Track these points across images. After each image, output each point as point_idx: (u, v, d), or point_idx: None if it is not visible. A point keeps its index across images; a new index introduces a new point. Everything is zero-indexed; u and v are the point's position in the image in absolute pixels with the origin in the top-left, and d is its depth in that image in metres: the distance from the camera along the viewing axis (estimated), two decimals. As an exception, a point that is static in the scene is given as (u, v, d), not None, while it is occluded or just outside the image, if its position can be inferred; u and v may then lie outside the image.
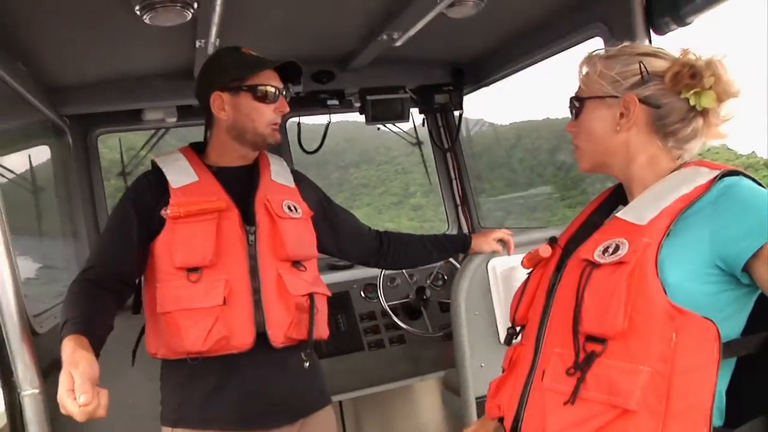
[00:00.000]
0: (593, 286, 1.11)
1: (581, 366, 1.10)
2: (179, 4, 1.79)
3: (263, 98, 1.78)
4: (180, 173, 1.79)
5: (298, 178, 1.98)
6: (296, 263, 1.81)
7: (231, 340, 1.68)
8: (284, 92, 1.82)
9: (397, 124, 3.33)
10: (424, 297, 3.03)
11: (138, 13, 1.81)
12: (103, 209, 2.91)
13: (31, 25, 1.90)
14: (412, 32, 2.31)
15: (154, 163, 1.85)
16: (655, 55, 1.24)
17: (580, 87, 1.32)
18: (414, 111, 3.26)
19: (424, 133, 3.52)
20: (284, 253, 1.77)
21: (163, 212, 1.71)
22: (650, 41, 2.02)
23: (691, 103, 1.18)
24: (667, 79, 1.20)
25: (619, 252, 1.10)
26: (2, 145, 2.35)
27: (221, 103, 1.79)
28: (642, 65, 1.21)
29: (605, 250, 1.13)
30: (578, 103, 1.30)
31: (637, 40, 2.01)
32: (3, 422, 1.49)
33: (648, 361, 1.04)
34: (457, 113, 3.27)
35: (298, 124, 2.98)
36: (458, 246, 2.13)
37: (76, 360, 1.37)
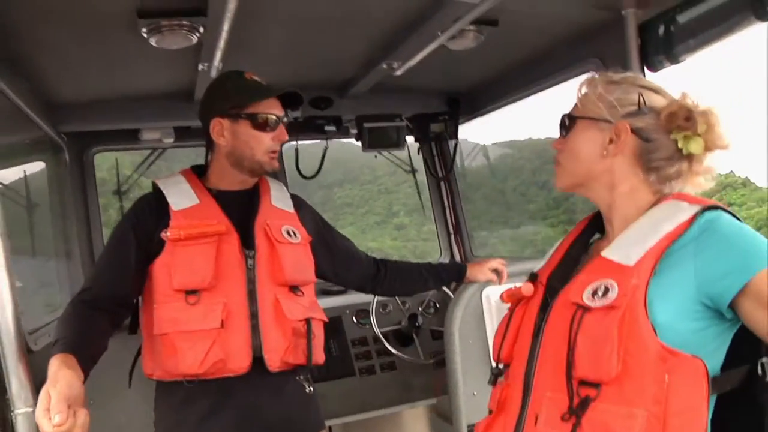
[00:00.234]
0: (585, 331, 1.11)
1: (576, 411, 1.10)
2: (186, 29, 1.82)
3: (262, 126, 1.79)
4: (181, 196, 1.79)
5: (298, 203, 1.99)
6: (294, 288, 1.82)
7: (227, 364, 1.68)
8: (284, 120, 1.83)
9: (392, 152, 3.36)
10: (416, 324, 3.03)
11: (144, 35, 1.84)
12: (97, 227, 2.90)
13: (38, 41, 1.92)
14: (412, 62, 2.35)
15: (154, 185, 1.85)
16: (656, 91, 1.26)
17: (575, 105, 1.32)
18: (409, 138, 3.30)
19: (418, 160, 3.56)
20: (282, 278, 1.78)
21: (163, 234, 1.72)
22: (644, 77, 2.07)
23: (679, 145, 1.20)
24: (662, 117, 1.21)
25: (609, 295, 1.10)
26: (1, 160, 2.35)
27: (221, 129, 1.81)
28: (641, 97, 1.23)
29: (594, 293, 1.13)
30: (570, 121, 1.31)
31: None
32: None
33: (642, 404, 1.04)
34: (452, 142, 3.30)
35: (296, 149, 2.99)
36: (454, 275, 2.15)
37: (57, 379, 1.37)
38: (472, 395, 2.00)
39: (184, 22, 1.80)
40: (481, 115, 3.19)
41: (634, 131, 1.22)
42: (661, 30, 2.03)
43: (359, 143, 3.06)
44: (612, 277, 1.12)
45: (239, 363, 1.69)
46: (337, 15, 2.00)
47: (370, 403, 2.91)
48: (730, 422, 1.14)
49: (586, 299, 1.13)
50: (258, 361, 1.71)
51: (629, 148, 1.22)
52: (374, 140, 3.04)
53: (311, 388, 1.82)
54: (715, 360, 1.12)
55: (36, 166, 2.64)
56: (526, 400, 1.21)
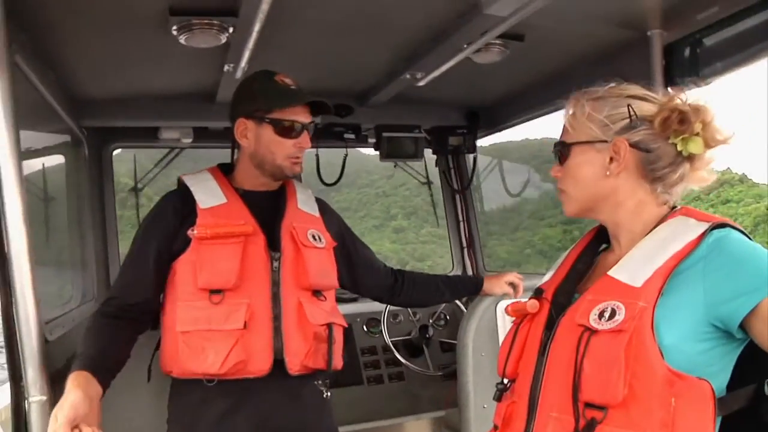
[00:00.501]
0: (592, 354, 1.10)
1: None
2: (216, 28, 1.83)
3: (285, 133, 1.79)
4: (208, 194, 1.79)
5: (322, 207, 1.99)
6: (317, 292, 1.81)
7: (248, 365, 1.67)
8: (309, 127, 1.83)
9: (408, 162, 3.37)
10: (427, 335, 3.02)
11: (174, 33, 1.85)
12: (112, 222, 2.92)
13: (68, 35, 1.94)
14: (436, 74, 2.36)
15: (180, 181, 1.86)
16: (643, 98, 1.24)
17: (565, 129, 1.30)
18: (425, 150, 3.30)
19: (432, 172, 3.56)
20: (307, 282, 1.77)
21: (189, 232, 1.72)
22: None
23: (679, 148, 1.19)
24: (656, 124, 1.19)
25: (616, 318, 1.09)
26: (25, 151, 2.37)
27: (244, 130, 1.81)
28: (631, 109, 1.20)
29: (601, 315, 1.11)
30: (564, 148, 1.29)
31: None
32: (8, 426, 1.47)
33: (649, 428, 1.03)
34: (471, 157, 3.30)
35: (317, 155, 3.00)
36: (470, 288, 2.15)
37: (65, 401, 1.42)
38: (482, 408, 1.99)
39: (215, 22, 1.81)
40: (500, 130, 3.20)
41: (633, 145, 1.20)
42: (687, 52, 2.03)
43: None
44: (619, 299, 1.11)
45: (260, 365, 1.69)
46: (364, 23, 2.01)
47: (377, 413, 2.90)
48: None
49: (593, 321, 1.12)
50: (278, 364, 1.71)
51: (631, 162, 1.21)
52: (392, 150, 3.05)
53: (328, 393, 1.81)
54: (721, 379, 1.12)
55: (55, 159, 2.65)
56: (532, 418, 1.20)
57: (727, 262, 1.09)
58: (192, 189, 1.80)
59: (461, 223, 3.51)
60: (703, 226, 1.13)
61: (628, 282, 1.13)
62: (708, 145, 1.19)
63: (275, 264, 1.75)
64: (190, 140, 2.98)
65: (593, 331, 1.11)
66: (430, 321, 3.14)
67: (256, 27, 1.79)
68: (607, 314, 1.11)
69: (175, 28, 1.83)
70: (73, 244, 2.70)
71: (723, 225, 1.14)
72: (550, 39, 2.20)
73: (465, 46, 2.13)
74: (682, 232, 1.14)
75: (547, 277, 1.38)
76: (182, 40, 1.87)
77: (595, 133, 1.23)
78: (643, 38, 2.10)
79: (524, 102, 2.92)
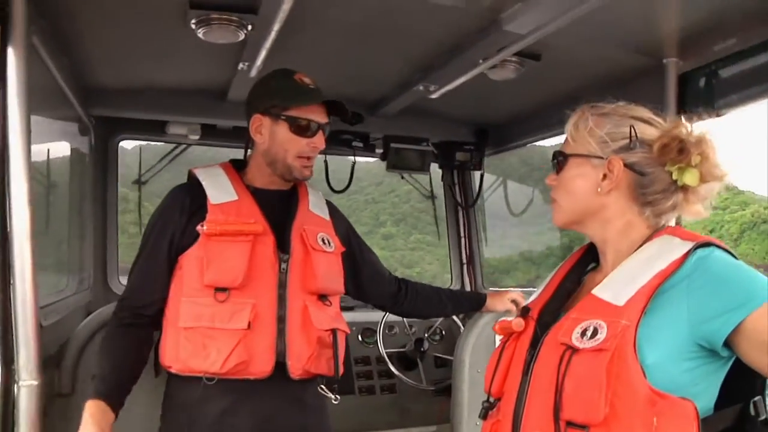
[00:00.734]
0: (573, 372, 1.09)
1: None
2: (235, 24, 1.82)
3: (300, 131, 1.78)
4: (219, 189, 1.78)
5: (332, 210, 1.98)
6: (323, 297, 1.80)
7: (249, 366, 1.66)
8: (324, 127, 1.82)
9: (413, 175, 3.36)
10: (422, 349, 3.00)
11: (193, 26, 1.85)
12: (113, 214, 2.90)
13: (86, 22, 1.93)
14: (449, 87, 2.36)
15: (192, 174, 1.84)
16: (647, 122, 1.24)
17: (567, 140, 1.31)
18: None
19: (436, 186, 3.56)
20: (314, 286, 1.76)
21: (198, 227, 1.70)
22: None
23: (674, 177, 1.19)
24: (655, 149, 1.20)
25: (598, 336, 1.09)
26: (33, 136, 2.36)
27: (259, 126, 1.80)
28: (633, 130, 1.21)
29: (583, 333, 1.11)
30: (562, 158, 1.29)
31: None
32: None
33: None
34: (477, 174, 3.29)
35: (325, 161, 3.00)
36: (474, 304, 2.13)
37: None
38: (475, 425, 1.97)
39: (234, 18, 1.80)
40: (508, 149, 3.19)
41: (628, 166, 1.21)
42: (702, 82, 2.03)
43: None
44: (601, 318, 1.11)
45: (262, 366, 1.67)
46: (383, 31, 2.01)
47: (367, 423, 2.88)
48: None
49: (575, 340, 1.11)
50: (280, 366, 1.68)
51: (624, 183, 1.22)
52: (399, 161, 3.05)
53: (337, 398, 1.79)
54: (706, 399, 1.11)
55: (61, 146, 2.63)
56: None
57: (710, 280, 1.09)
58: (204, 183, 1.79)
59: (462, 239, 3.49)
60: (688, 245, 1.13)
61: (611, 301, 1.13)
62: (704, 179, 1.19)
63: (283, 266, 1.74)
64: (197, 137, 2.96)
65: (575, 350, 1.11)
66: (426, 335, 3.12)
67: (276, 26, 1.79)
68: (589, 332, 1.10)
69: (193, 21, 1.82)
70: (72, 232, 2.68)
71: (708, 244, 1.14)
72: (566, 60, 2.20)
73: (481, 61, 2.13)
74: (667, 251, 1.14)
75: (534, 296, 1.38)
76: (200, 34, 1.87)
77: (593, 148, 1.24)
78: (659, 66, 2.11)
79: (534, 122, 2.91)
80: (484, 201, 3.53)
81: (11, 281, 1.42)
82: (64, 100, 2.31)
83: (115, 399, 1.65)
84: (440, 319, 3.13)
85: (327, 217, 1.93)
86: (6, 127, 1.45)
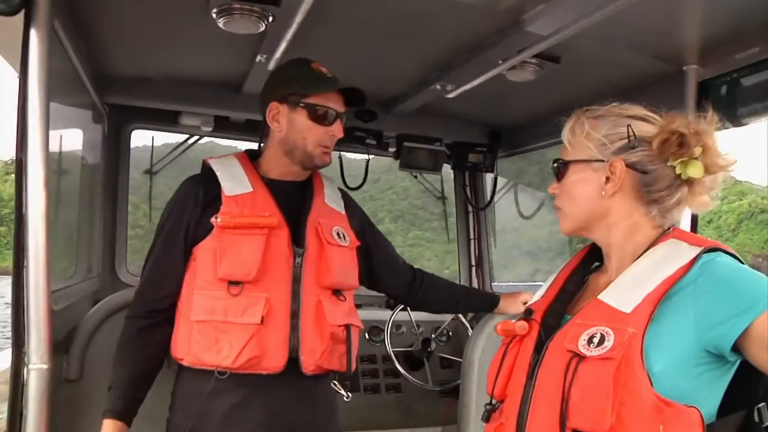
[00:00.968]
0: (580, 381, 1.08)
1: None
2: (256, 15, 1.82)
3: (319, 119, 1.76)
4: (234, 181, 1.76)
5: (347, 201, 1.96)
6: (337, 292, 1.78)
7: (262, 361, 1.64)
8: (342, 116, 1.80)
9: (426, 175, 3.35)
10: (429, 349, 2.99)
11: (214, 15, 1.84)
12: (123, 202, 2.90)
13: (105, 7, 1.92)
14: (466, 87, 2.35)
15: (206, 164, 1.83)
16: (644, 119, 1.23)
17: (565, 147, 1.29)
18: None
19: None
20: (328, 280, 1.74)
21: (213, 219, 1.69)
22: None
23: (677, 171, 1.18)
24: (654, 146, 1.18)
25: (605, 344, 1.08)
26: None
27: (277, 114, 1.78)
28: (630, 129, 1.19)
29: (590, 340, 1.10)
30: (562, 165, 1.28)
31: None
32: (4, 390, 1.45)
33: None
34: (491, 176, 3.28)
35: (340, 157, 2.98)
36: (486, 305, 2.11)
37: None
38: (482, 426, 1.95)
39: (256, 8, 1.79)
40: (522, 152, 3.18)
41: (630, 166, 1.19)
42: (724, 90, 2.01)
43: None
44: (608, 324, 1.10)
45: (274, 362, 1.65)
46: (404, 28, 2.00)
47: (371, 422, 2.87)
48: None
49: (582, 347, 1.10)
50: (292, 362, 1.67)
51: (627, 183, 1.20)
52: (412, 161, 3.04)
53: (349, 395, 1.78)
54: (711, 404, 1.10)
55: (74, 132, 2.63)
56: None
57: (715, 285, 1.08)
58: (218, 174, 1.77)
59: (472, 242, 3.48)
60: (695, 251, 1.12)
61: (617, 307, 1.12)
62: (708, 170, 1.17)
63: (298, 260, 1.72)
64: (210, 129, 2.96)
65: (582, 357, 1.10)
66: (433, 335, 3.10)
67: (297, 18, 1.78)
68: (596, 340, 1.09)
69: (215, 10, 1.82)
70: (82, 220, 2.68)
71: (714, 249, 1.13)
72: (585, 64, 2.19)
73: (500, 62, 2.12)
74: (674, 257, 1.13)
75: (537, 297, 1.37)
76: (221, 23, 1.86)
77: (593, 152, 1.22)
78: (679, 72, 2.10)
79: (548, 127, 2.85)
80: (494, 203, 3.51)
81: (25, 264, 1.41)
82: (81, 86, 2.30)
83: (132, 414, 1.69)
84: (448, 320, 3.12)
85: (342, 211, 1.91)
86: (26, 110, 1.45)
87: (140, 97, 2.73)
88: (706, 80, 2.07)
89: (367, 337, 3.05)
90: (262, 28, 1.87)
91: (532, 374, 1.21)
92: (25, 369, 1.39)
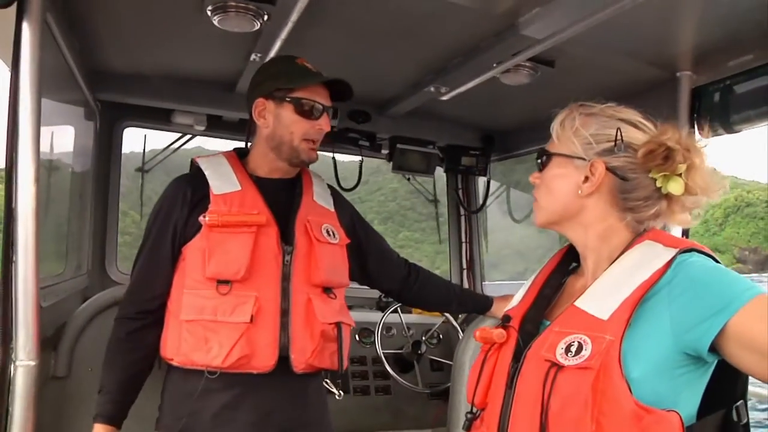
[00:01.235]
0: (559, 391, 1.08)
1: None
2: (251, 13, 1.81)
3: (306, 113, 1.75)
4: (222, 179, 1.75)
5: (336, 198, 1.96)
6: (327, 290, 1.77)
7: (252, 360, 1.63)
8: (329, 110, 1.79)
9: (418, 178, 3.35)
10: (419, 352, 2.98)
11: (209, 13, 1.83)
12: (114, 200, 2.88)
13: (98, 2, 1.91)
14: (461, 89, 2.35)
15: (194, 163, 1.82)
16: (635, 125, 1.22)
17: (552, 139, 1.29)
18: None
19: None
20: (318, 278, 1.73)
21: (201, 218, 1.68)
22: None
23: (658, 184, 1.16)
24: (639, 155, 1.17)
25: (582, 353, 1.07)
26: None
27: (263, 111, 1.78)
28: (619, 132, 1.18)
29: (567, 349, 1.09)
30: (546, 157, 1.27)
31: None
32: None
33: None
34: (483, 180, 3.28)
35: (333, 158, 2.97)
36: (479, 307, 2.09)
37: None
38: (472, 430, 1.95)
39: (251, 7, 1.79)
40: (514, 156, 3.18)
41: (610, 169, 1.18)
42: (717, 97, 2.02)
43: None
44: (585, 332, 1.09)
45: (264, 361, 1.64)
46: (399, 29, 2.00)
47: (361, 423, 2.86)
48: None
49: (560, 356, 1.10)
50: (283, 360, 1.66)
51: (605, 186, 1.19)
52: (404, 163, 3.04)
53: (341, 393, 1.77)
54: (691, 405, 1.10)
55: (66, 128, 2.61)
56: None
57: (689, 287, 1.07)
58: (206, 173, 1.76)
59: (464, 244, 3.48)
60: (671, 252, 1.11)
61: (594, 314, 1.11)
62: (689, 190, 1.16)
63: (287, 258, 1.70)
64: (203, 128, 2.94)
65: (560, 367, 1.09)
66: (424, 338, 3.10)
67: (292, 18, 1.78)
68: (573, 348, 1.09)
69: (210, 8, 1.81)
70: (72, 216, 2.66)
71: (690, 249, 1.12)
72: (579, 68, 2.19)
73: (495, 65, 2.12)
74: (649, 259, 1.12)
75: (515, 302, 1.36)
76: (215, 21, 1.85)
77: (577, 148, 1.21)
78: (672, 79, 2.11)
79: (541, 131, 2.87)
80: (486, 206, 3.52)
81: (14, 259, 1.40)
82: (73, 82, 2.29)
83: (122, 416, 1.69)
84: (438, 323, 3.11)
85: (331, 208, 1.90)
86: (17, 105, 1.43)
87: (133, 94, 2.71)
88: (700, 87, 2.09)
89: (357, 338, 3.04)
90: (257, 26, 1.87)
91: (511, 383, 1.19)
92: (12, 365, 1.37)
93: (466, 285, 3.47)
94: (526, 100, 2.60)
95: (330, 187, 1.99)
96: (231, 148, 1.92)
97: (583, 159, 1.20)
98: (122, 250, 2.95)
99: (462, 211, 3.50)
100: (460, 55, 2.16)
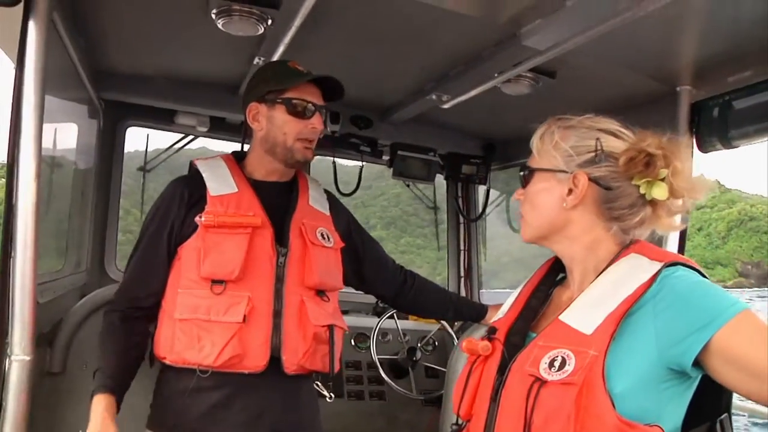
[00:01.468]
0: (542, 405, 1.08)
1: None
2: (255, 17, 1.83)
3: (298, 113, 1.77)
4: (219, 181, 1.77)
5: (332, 202, 1.97)
6: (320, 293, 1.78)
7: (244, 360, 1.64)
8: (321, 110, 1.81)
9: (419, 185, 3.36)
10: (414, 358, 2.98)
11: (213, 16, 1.85)
12: (115, 198, 2.89)
13: (104, 2, 1.93)
14: (462, 98, 2.37)
15: (192, 165, 1.84)
16: (614, 134, 1.22)
17: (533, 155, 1.29)
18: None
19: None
20: (311, 281, 1.74)
21: (197, 218, 1.69)
22: (692, 155, 2.07)
23: (641, 191, 1.16)
24: (621, 163, 1.17)
25: (566, 368, 1.07)
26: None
27: (257, 114, 1.80)
28: (599, 143, 1.18)
29: (551, 364, 1.09)
30: (528, 172, 1.28)
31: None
32: None
33: None
34: (483, 188, 3.28)
35: (333, 162, 2.98)
36: (473, 314, 2.11)
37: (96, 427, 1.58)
38: (464, 437, 1.95)
39: (255, 11, 1.80)
40: (514, 165, 3.19)
41: (593, 180, 1.18)
42: (716, 112, 2.03)
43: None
44: (569, 346, 1.09)
45: (256, 361, 1.65)
46: (402, 37, 2.02)
47: (355, 428, 2.87)
48: None
49: (543, 371, 1.10)
50: (274, 361, 1.67)
51: (589, 197, 1.19)
52: (405, 169, 3.04)
53: (331, 395, 1.78)
54: (675, 419, 1.10)
55: (69, 126, 2.63)
56: None
57: (674, 301, 1.07)
58: (204, 175, 1.78)
59: (462, 252, 3.49)
60: (656, 266, 1.11)
61: (578, 328, 1.11)
62: (673, 193, 1.16)
63: (281, 259, 1.72)
64: (205, 129, 2.95)
65: (543, 382, 1.08)
66: (419, 344, 3.10)
67: (296, 22, 1.79)
68: (557, 363, 1.09)
69: (215, 11, 1.83)
70: (73, 213, 2.67)
71: (675, 263, 1.12)
72: (580, 80, 2.21)
73: (496, 74, 2.14)
74: (634, 273, 1.12)
75: (501, 314, 1.36)
76: (220, 24, 1.87)
77: (558, 162, 1.22)
78: (672, 93, 2.11)
79: (542, 141, 2.91)
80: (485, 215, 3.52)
81: (12, 254, 1.41)
82: (78, 80, 2.30)
83: (120, 395, 1.67)
84: (434, 330, 3.11)
85: (327, 212, 1.91)
86: (20, 101, 1.45)
87: (137, 94, 2.73)
88: (699, 101, 2.09)
89: (352, 343, 3.04)
90: (261, 30, 1.88)
91: (495, 396, 1.19)
92: (7, 360, 1.38)
93: (463, 293, 3.47)
94: (527, 110, 2.58)
95: (327, 192, 2.01)
96: (231, 151, 1.94)
97: (565, 172, 1.20)
98: (123, 248, 2.95)
99: (461, 219, 3.51)
100: (461, 63, 2.17)
